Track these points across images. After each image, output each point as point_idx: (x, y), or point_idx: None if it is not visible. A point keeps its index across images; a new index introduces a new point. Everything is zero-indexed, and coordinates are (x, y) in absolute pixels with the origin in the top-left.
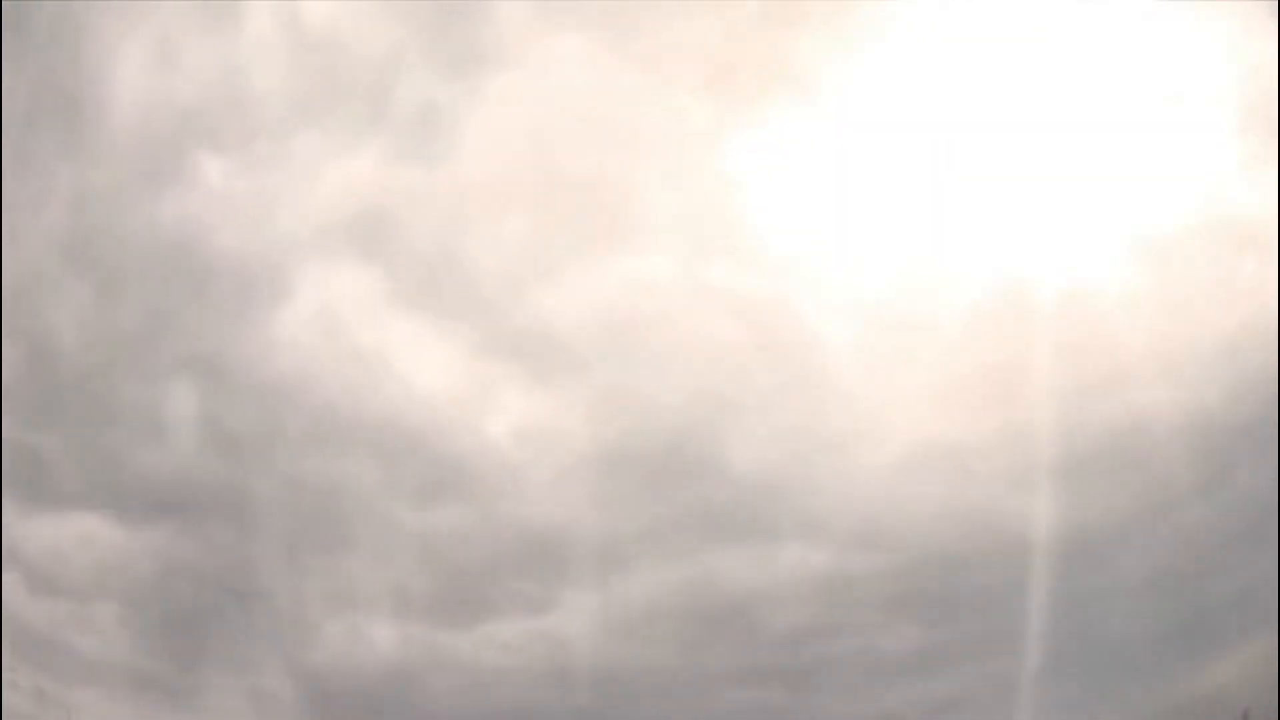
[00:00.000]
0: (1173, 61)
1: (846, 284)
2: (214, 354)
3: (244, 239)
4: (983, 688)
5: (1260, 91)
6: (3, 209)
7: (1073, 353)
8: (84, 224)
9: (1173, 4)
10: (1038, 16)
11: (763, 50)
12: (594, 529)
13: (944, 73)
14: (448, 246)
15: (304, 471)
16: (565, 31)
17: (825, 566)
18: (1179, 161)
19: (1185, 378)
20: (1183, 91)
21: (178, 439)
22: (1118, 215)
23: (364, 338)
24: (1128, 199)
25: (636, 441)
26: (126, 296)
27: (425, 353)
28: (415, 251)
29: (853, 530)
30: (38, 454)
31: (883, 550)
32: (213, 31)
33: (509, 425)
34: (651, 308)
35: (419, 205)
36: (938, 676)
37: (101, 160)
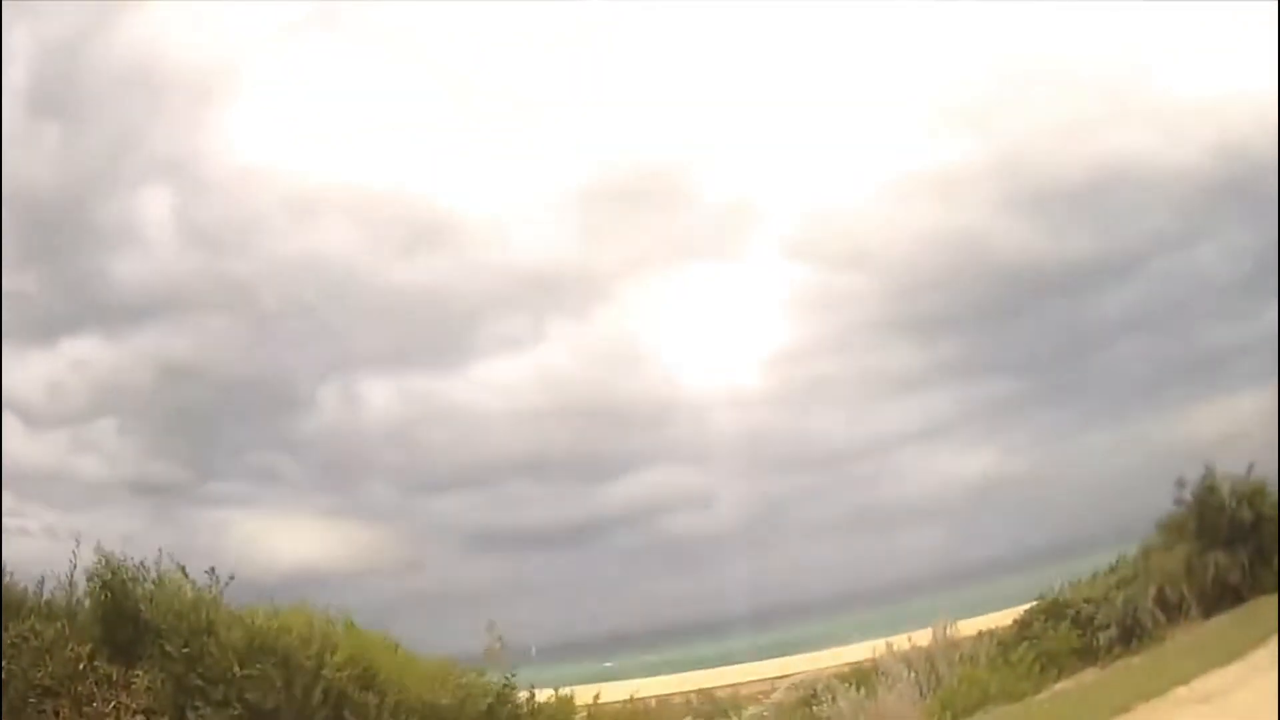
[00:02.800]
0: None
1: (828, 19)
2: (181, 156)
3: (200, 46)
4: (977, 410)
5: None
6: None
7: (1061, 88)
8: (43, 71)
9: None
10: None
11: None
12: (575, 263)
13: None
14: (412, 18)
15: (283, 248)
16: None
17: (815, 285)
18: None
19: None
20: None
21: (155, 244)
22: None
23: (328, 110)
24: None
25: (614, 175)
26: (91, 126)
27: (395, 114)
28: (378, 24)
29: (842, 251)
30: (24, 295)
31: (875, 271)
32: None
33: (485, 170)
34: (622, 49)
35: None
36: (932, 397)
37: (52, 7)
